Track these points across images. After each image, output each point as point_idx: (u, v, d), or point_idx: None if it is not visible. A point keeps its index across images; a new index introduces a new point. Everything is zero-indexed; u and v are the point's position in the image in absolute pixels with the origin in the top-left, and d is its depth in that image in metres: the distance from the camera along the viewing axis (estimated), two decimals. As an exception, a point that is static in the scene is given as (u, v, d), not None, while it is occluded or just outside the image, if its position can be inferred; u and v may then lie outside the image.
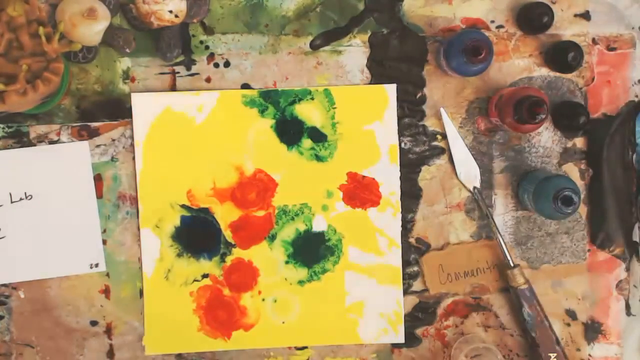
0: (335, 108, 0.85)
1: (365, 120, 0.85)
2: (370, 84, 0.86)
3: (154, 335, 0.85)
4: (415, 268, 0.87)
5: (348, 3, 0.85)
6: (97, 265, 0.85)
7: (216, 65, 0.85)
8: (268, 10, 0.85)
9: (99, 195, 0.85)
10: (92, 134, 0.84)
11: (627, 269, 0.87)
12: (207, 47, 0.85)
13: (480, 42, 0.78)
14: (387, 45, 0.86)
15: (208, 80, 0.85)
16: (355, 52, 0.86)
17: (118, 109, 0.84)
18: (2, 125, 0.84)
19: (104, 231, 0.85)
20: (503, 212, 0.87)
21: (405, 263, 0.86)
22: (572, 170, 0.87)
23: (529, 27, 0.85)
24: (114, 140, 0.85)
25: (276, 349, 0.87)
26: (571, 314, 0.88)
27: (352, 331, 0.86)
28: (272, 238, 0.86)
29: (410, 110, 0.86)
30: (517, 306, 0.85)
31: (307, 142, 0.85)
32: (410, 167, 0.86)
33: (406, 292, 0.87)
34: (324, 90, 0.85)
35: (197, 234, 0.85)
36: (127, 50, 0.83)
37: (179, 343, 0.86)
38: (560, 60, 0.84)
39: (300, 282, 0.86)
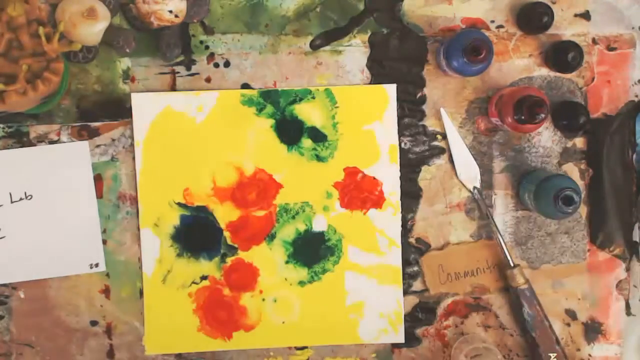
0: (337, 107, 0.85)
1: (365, 120, 0.85)
2: (370, 84, 0.86)
3: (154, 335, 0.85)
4: (415, 268, 0.87)
5: (348, 3, 0.85)
6: (97, 265, 0.85)
7: (216, 65, 0.85)
8: (268, 10, 0.85)
9: (99, 195, 0.85)
10: (92, 134, 0.84)
11: (627, 269, 0.87)
12: (207, 47, 0.85)
13: (480, 42, 0.78)
14: (387, 45, 0.86)
15: (208, 80, 0.85)
16: (355, 52, 0.86)
17: (118, 109, 0.84)
18: (2, 125, 0.84)
19: (104, 231, 0.85)
20: (503, 212, 0.87)
21: (405, 263, 0.86)
22: (572, 170, 0.87)
23: (529, 27, 0.85)
24: (114, 140, 0.85)
25: (276, 349, 0.87)
26: (571, 314, 0.88)
27: (352, 331, 0.86)
28: (272, 238, 0.86)
29: (410, 110, 0.86)
30: (517, 306, 0.85)
31: (307, 142, 0.85)
32: (410, 167, 0.86)
33: (406, 292, 0.87)
34: (325, 90, 0.85)
35: (196, 233, 0.85)
36: (127, 50, 0.83)
37: (179, 343, 0.86)
38: (560, 60, 0.84)
39: (301, 283, 0.86)
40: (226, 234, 0.85)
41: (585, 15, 0.86)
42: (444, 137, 0.86)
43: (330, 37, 0.85)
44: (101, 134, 0.84)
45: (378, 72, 0.86)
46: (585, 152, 0.87)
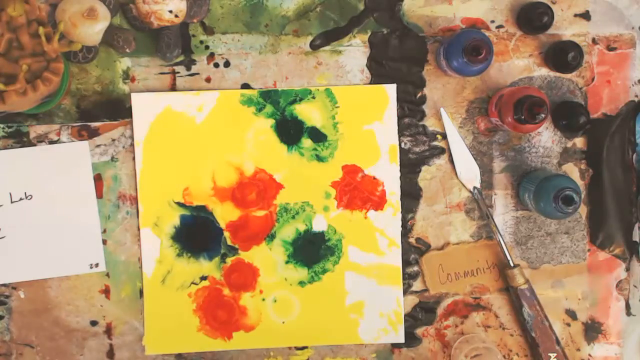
0: (337, 107, 0.85)
1: (365, 120, 0.85)
2: (370, 84, 0.86)
3: (154, 335, 0.85)
4: (415, 268, 0.87)
5: (348, 3, 0.85)
6: (97, 265, 0.85)
7: (216, 65, 0.85)
8: (268, 10, 0.85)
9: (99, 195, 0.85)
10: (92, 134, 0.84)
11: (627, 269, 0.87)
12: (207, 47, 0.85)
13: (480, 42, 0.78)
14: (387, 45, 0.86)
15: (208, 80, 0.85)
16: (355, 52, 0.86)
17: (118, 109, 0.84)
18: (2, 125, 0.84)
19: (104, 231, 0.85)
20: (503, 212, 0.87)
21: (405, 263, 0.86)
22: (572, 170, 0.87)
23: (529, 27, 0.85)
24: (114, 140, 0.85)
25: (276, 349, 0.87)
26: (571, 314, 0.88)
27: (352, 331, 0.86)
28: (272, 238, 0.86)
29: (410, 110, 0.86)
30: (517, 306, 0.85)
31: (307, 142, 0.85)
32: (410, 167, 0.86)
33: (406, 292, 0.87)
34: (326, 90, 0.85)
35: (196, 234, 0.85)
36: (127, 50, 0.83)
37: (179, 343, 0.86)
38: (560, 60, 0.84)
39: (301, 283, 0.86)
40: (226, 234, 0.85)
41: (585, 15, 0.86)
42: (444, 137, 0.86)
43: (330, 37, 0.85)
44: (101, 134, 0.84)
45: (378, 72, 0.86)
46: (585, 152, 0.87)
